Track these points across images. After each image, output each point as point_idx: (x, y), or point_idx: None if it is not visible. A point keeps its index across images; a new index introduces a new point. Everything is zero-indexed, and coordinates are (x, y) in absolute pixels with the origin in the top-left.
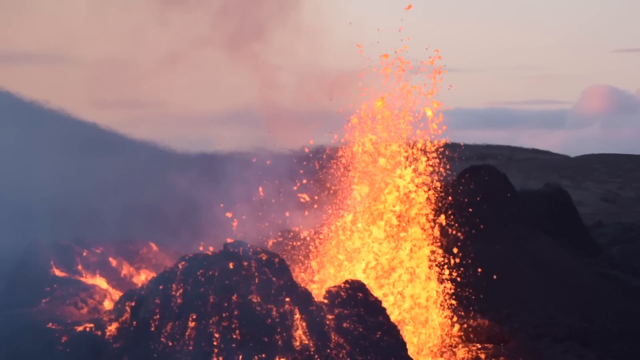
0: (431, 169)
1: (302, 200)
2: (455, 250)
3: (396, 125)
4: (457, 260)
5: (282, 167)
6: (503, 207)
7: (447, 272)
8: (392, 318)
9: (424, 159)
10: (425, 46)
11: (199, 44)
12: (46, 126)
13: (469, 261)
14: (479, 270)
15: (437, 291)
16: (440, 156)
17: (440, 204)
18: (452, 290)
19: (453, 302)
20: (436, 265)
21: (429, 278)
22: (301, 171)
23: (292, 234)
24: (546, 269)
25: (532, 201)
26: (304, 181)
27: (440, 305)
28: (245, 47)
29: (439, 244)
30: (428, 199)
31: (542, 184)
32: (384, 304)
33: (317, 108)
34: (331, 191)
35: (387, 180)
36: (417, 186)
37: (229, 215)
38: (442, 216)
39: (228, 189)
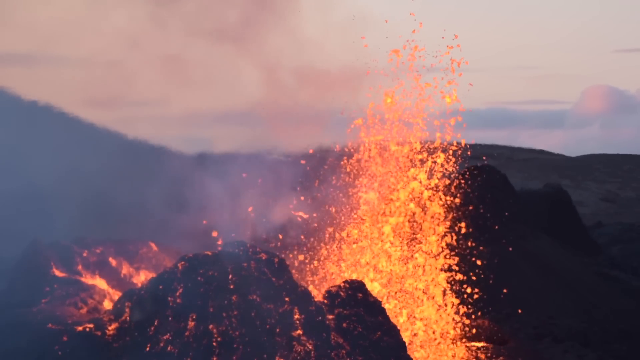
0: (452, 168)
1: (298, 219)
2: (478, 262)
3: (409, 120)
4: (477, 282)
5: (278, 183)
6: (503, 207)
7: (469, 290)
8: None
9: (442, 155)
10: (425, 46)
11: (199, 41)
12: (44, 125)
13: (472, 259)
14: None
15: (453, 319)
16: (459, 158)
17: (454, 211)
18: (472, 321)
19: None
20: (452, 286)
21: (444, 306)
22: (298, 188)
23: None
24: (546, 269)
25: (532, 201)
26: (302, 198)
27: (458, 339)
28: (245, 45)
29: (455, 259)
30: (446, 209)
31: (542, 184)
32: (396, 322)
33: (319, 110)
34: (332, 211)
35: (400, 179)
36: (432, 190)
37: (214, 234)
38: (463, 223)
39: (218, 210)
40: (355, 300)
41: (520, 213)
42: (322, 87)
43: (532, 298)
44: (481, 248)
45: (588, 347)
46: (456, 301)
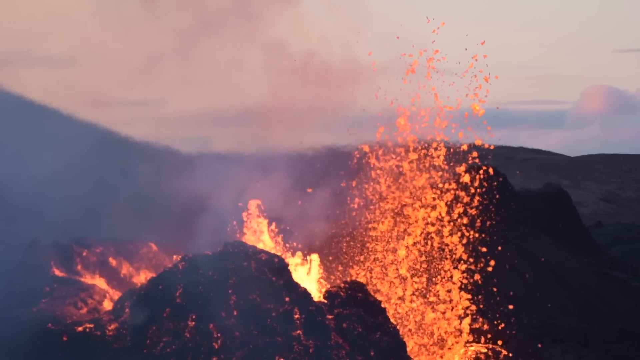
0: (477, 200)
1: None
2: (510, 307)
3: (427, 137)
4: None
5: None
6: (503, 207)
7: (499, 342)
8: None
9: (468, 176)
10: (419, 46)
11: (201, 39)
12: (45, 126)
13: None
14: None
15: None
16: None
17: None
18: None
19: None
20: (476, 337)
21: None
22: (295, 232)
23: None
24: (546, 269)
25: (532, 201)
26: (299, 245)
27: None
28: (244, 43)
29: (477, 308)
30: (468, 250)
31: (542, 184)
32: None
33: (324, 118)
34: (335, 263)
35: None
36: (453, 223)
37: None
38: (492, 262)
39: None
40: (355, 300)
41: (520, 213)
42: (327, 95)
43: (532, 298)
44: (511, 293)
45: (588, 347)
46: (483, 349)
